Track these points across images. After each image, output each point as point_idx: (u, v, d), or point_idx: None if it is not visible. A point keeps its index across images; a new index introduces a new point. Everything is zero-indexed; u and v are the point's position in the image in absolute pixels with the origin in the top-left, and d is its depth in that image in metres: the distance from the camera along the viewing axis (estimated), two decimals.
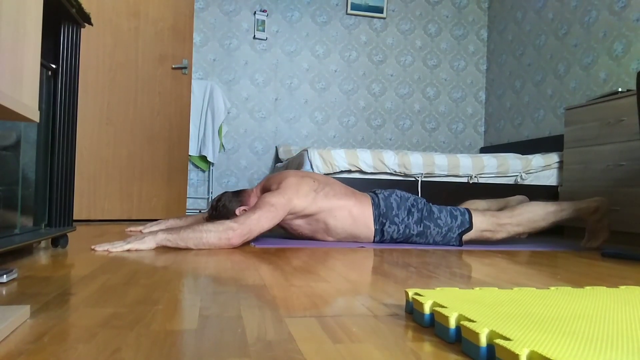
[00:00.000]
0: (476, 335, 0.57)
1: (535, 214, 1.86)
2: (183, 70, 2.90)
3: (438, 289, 0.81)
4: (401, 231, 1.86)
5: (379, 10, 3.96)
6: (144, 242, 1.47)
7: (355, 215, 1.82)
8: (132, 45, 2.75)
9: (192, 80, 3.52)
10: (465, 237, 1.86)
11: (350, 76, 3.96)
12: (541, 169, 2.79)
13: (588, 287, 0.89)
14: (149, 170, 2.78)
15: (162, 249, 1.51)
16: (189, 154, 3.51)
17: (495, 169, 2.75)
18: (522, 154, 3.17)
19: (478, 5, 4.18)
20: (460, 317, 0.64)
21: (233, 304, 0.82)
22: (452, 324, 0.64)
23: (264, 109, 3.82)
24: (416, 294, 0.77)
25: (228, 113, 3.74)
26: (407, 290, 0.80)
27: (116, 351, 0.56)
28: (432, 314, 0.71)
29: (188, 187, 3.67)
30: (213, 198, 2.08)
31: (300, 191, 1.74)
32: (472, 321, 0.61)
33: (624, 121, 2.22)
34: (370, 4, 3.95)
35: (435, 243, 1.89)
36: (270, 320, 0.72)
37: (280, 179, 1.81)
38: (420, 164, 2.66)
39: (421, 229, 1.87)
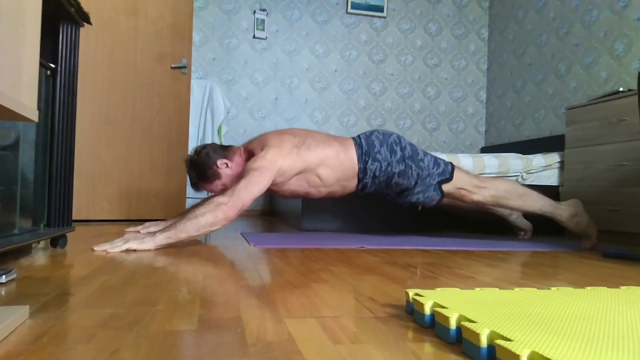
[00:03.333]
0: (477, 335, 0.57)
1: (514, 189, 1.92)
2: (182, 69, 2.90)
3: (438, 289, 0.81)
4: (383, 168, 1.89)
5: (380, 9, 3.95)
6: (142, 243, 1.46)
7: (341, 159, 1.85)
8: (131, 44, 2.74)
9: (192, 80, 3.52)
10: (443, 187, 1.91)
11: (350, 76, 3.96)
12: (542, 168, 2.79)
13: (589, 288, 0.89)
14: (148, 170, 2.78)
15: (161, 248, 1.50)
16: (189, 153, 3.52)
17: (496, 169, 2.75)
18: (523, 154, 3.16)
19: (479, 4, 4.17)
20: (461, 318, 0.64)
21: (232, 304, 0.81)
22: (453, 324, 0.64)
23: (263, 109, 3.81)
24: (416, 294, 0.77)
25: (228, 113, 3.73)
26: (407, 290, 0.79)
27: (115, 352, 0.56)
28: (433, 314, 0.70)
29: (187, 187, 3.67)
30: (197, 145, 2.04)
31: (284, 150, 1.73)
32: (473, 322, 0.61)
33: (625, 121, 2.22)
34: (370, 3, 3.94)
35: (415, 185, 1.92)
36: (270, 320, 0.72)
37: (262, 141, 1.80)
38: None
39: (402, 167, 1.90)
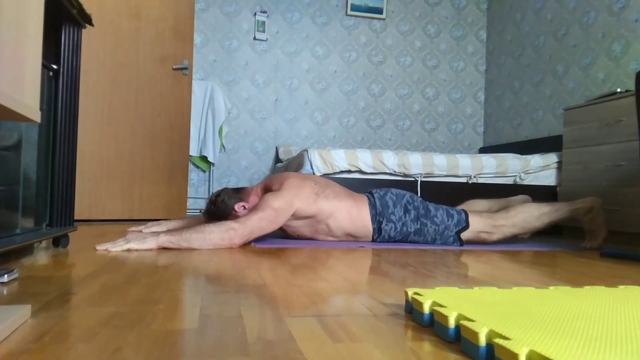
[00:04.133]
0: (475, 334, 0.57)
1: (530, 215, 1.89)
2: (184, 70, 2.91)
3: (437, 288, 0.81)
4: (398, 229, 1.87)
5: (379, 11, 3.96)
6: (145, 242, 1.47)
7: (353, 215, 1.84)
8: (133, 46, 2.75)
9: (193, 81, 3.53)
10: (462, 236, 1.87)
11: (350, 77, 3.97)
12: (540, 169, 2.79)
13: (587, 287, 0.89)
14: (149, 170, 2.78)
15: (163, 248, 1.51)
16: (190, 154, 3.52)
17: (494, 169, 2.76)
18: (521, 154, 3.17)
19: (477, 6, 4.19)
20: (460, 317, 0.64)
21: (233, 303, 0.82)
22: (452, 323, 0.64)
23: (264, 110, 3.82)
24: (416, 293, 0.77)
25: (228, 113, 3.74)
26: (406, 289, 0.80)
27: (117, 351, 0.56)
28: (432, 313, 0.71)
29: (189, 187, 3.67)
30: (212, 193, 2.08)
31: (302, 194, 1.75)
32: (472, 320, 0.61)
33: (623, 121, 2.22)
34: (370, 5, 3.95)
35: (433, 241, 1.90)
36: (271, 319, 0.73)
37: (282, 180, 1.81)
38: (419, 164, 2.66)
39: (418, 226, 1.88)
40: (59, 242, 1.46)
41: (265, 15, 3.77)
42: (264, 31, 3.77)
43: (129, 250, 1.44)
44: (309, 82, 3.90)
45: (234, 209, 1.77)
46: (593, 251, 1.88)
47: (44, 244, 1.53)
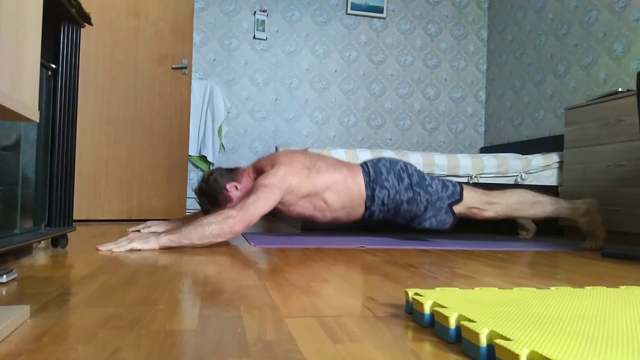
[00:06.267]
0: (476, 335, 0.57)
1: (525, 199, 1.91)
2: (183, 70, 2.90)
3: (438, 289, 0.81)
4: (391, 196, 1.88)
5: (379, 10, 3.96)
6: (147, 242, 1.46)
7: (349, 185, 1.85)
8: (132, 45, 2.75)
9: (192, 80, 3.52)
10: (455, 209, 1.88)
11: (350, 76, 3.96)
12: (541, 169, 2.79)
13: (588, 287, 0.89)
14: (149, 170, 2.78)
15: (164, 248, 1.51)
16: (189, 153, 3.51)
17: (495, 169, 2.75)
18: (522, 154, 3.17)
19: (478, 5, 4.18)
20: (461, 317, 0.64)
21: (233, 304, 0.82)
22: (452, 324, 0.64)
23: (264, 109, 3.81)
24: (416, 294, 0.77)
25: (228, 113, 3.74)
26: (407, 290, 0.79)
27: (116, 351, 0.56)
28: (432, 314, 0.71)
29: (188, 187, 3.67)
30: (205, 172, 2.07)
31: (294, 168, 1.74)
32: (472, 321, 0.61)
33: (624, 121, 2.22)
34: (370, 4, 3.95)
35: (425, 211, 1.90)
36: (270, 320, 0.72)
37: (272, 159, 1.80)
38: (420, 164, 2.66)
39: (411, 194, 1.88)
40: (58, 242, 1.45)
41: (265, 14, 3.76)
42: (263, 30, 3.76)
43: (131, 250, 1.44)
44: (309, 81, 3.89)
45: (225, 188, 1.76)
46: (594, 251, 1.88)
47: (42, 244, 1.53)
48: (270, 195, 1.62)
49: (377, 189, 1.86)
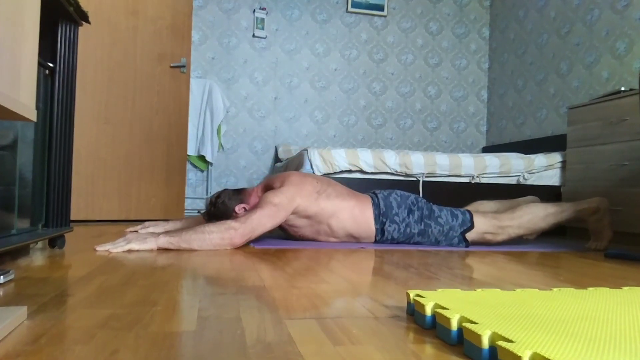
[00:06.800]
0: (478, 337, 0.56)
1: (536, 216, 1.87)
2: (182, 68, 2.89)
3: (440, 290, 0.80)
4: (402, 230, 1.85)
5: (380, 8, 3.95)
6: (145, 243, 1.46)
7: (356, 215, 1.82)
8: (131, 43, 2.74)
9: (191, 79, 3.51)
10: (467, 237, 1.86)
11: (350, 75, 3.95)
12: (544, 168, 2.78)
13: (591, 288, 0.88)
14: (147, 170, 2.77)
15: (162, 249, 1.50)
16: (188, 153, 3.51)
17: (497, 169, 2.74)
18: (525, 154, 3.16)
19: (480, 3, 4.17)
20: (462, 319, 0.63)
21: (232, 305, 0.81)
22: (454, 325, 0.63)
23: (263, 108, 3.81)
24: (417, 295, 0.76)
25: (227, 112, 3.73)
26: (408, 291, 0.79)
27: (114, 353, 0.56)
28: (434, 315, 0.70)
29: (186, 187, 3.66)
30: (211, 194, 2.08)
31: (303, 191, 1.74)
32: (474, 323, 0.60)
33: (627, 120, 2.21)
34: (370, 2, 3.93)
35: (438, 243, 1.88)
36: (270, 321, 0.72)
37: (283, 178, 1.80)
38: (421, 163, 2.65)
39: (422, 227, 1.86)
40: (55, 242, 1.45)
41: (265, 12, 3.75)
42: (263, 28, 3.75)
43: (129, 250, 1.43)
44: (309, 80, 3.88)
45: (234, 211, 1.76)
46: (597, 252, 1.87)
47: (40, 244, 1.52)
48: (276, 214, 1.63)
49: (387, 223, 1.84)
